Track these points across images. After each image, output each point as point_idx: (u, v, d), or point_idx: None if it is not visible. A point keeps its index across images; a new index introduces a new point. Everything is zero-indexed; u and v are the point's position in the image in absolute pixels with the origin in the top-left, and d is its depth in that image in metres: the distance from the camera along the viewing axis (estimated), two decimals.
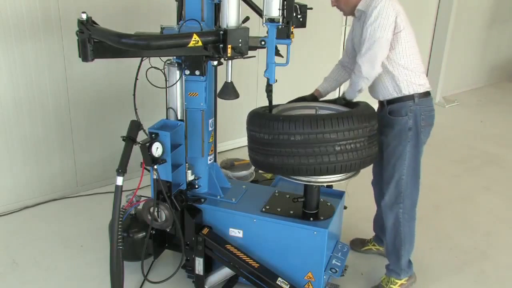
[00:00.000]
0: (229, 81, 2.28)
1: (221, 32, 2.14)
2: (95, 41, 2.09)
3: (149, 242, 2.57)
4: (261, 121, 2.27)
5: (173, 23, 2.57)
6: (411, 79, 2.47)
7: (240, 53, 2.17)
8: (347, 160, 2.21)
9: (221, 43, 2.15)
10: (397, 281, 2.77)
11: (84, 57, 2.10)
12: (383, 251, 3.08)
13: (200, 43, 2.09)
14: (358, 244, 3.19)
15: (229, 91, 2.28)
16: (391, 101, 2.53)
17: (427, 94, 2.53)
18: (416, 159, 2.56)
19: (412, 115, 2.47)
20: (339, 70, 2.84)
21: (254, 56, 2.39)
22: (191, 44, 2.08)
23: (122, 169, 2.26)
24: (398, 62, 2.44)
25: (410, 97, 2.47)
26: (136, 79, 2.50)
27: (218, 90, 2.69)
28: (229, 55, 2.15)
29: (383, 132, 2.55)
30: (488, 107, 6.79)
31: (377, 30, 2.32)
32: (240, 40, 2.15)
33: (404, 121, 2.48)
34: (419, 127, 2.50)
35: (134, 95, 2.52)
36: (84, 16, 2.07)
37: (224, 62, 2.35)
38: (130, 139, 2.35)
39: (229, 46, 2.14)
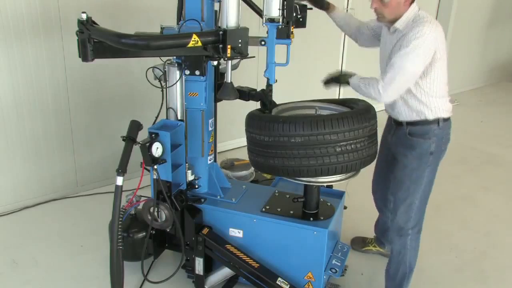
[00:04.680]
0: (229, 81, 2.28)
1: (221, 32, 2.13)
2: (95, 41, 2.09)
3: (149, 242, 2.57)
4: (260, 123, 2.27)
5: (173, 23, 2.57)
6: (438, 105, 2.35)
7: (239, 53, 2.16)
8: (348, 161, 2.20)
9: (221, 43, 2.14)
10: None
11: (84, 57, 2.10)
12: (383, 252, 3.09)
13: (199, 44, 2.09)
14: (359, 243, 3.19)
15: (229, 91, 2.27)
16: (412, 123, 2.41)
17: (448, 118, 2.43)
18: (431, 184, 2.46)
19: (435, 139, 2.37)
20: (354, 24, 2.74)
21: (254, 57, 2.39)
22: (190, 44, 2.07)
23: (122, 169, 2.26)
24: (427, 90, 2.32)
25: (435, 121, 2.36)
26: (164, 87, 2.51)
27: (216, 93, 2.70)
28: (228, 55, 2.15)
29: (400, 152, 2.46)
30: (488, 107, 6.79)
31: (410, 62, 2.18)
32: (239, 40, 2.14)
33: (427, 144, 2.37)
34: (439, 152, 2.41)
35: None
36: (84, 16, 2.07)
37: (224, 62, 2.35)
38: (130, 139, 2.35)
39: (229, 46, 2.13)
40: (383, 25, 2.46)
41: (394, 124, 2.53)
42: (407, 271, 2.58)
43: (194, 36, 2.07)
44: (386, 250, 3.07)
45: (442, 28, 2.28)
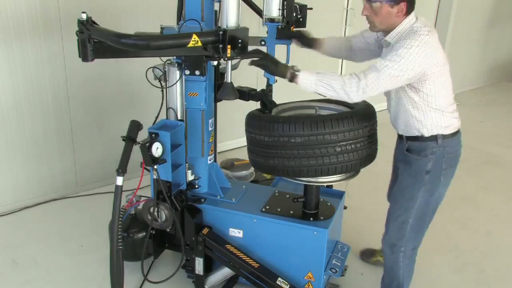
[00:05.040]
0: (229, 81, 2.28)
1: (221, 32, 2.12)
2: (95, 41, 2.09)
3: (149, 242, 2.57)
4: (260, 123, 2.27)
5: (173, 23, 2.57)
6: (437, 122, 2.19)
7: (239, 53, 2.16)
8: (348, 161, 2.20)
9: (221, 43, 2.13)
10: None
11: (84, 57, 2.10)
12: None
13: (199, 44, 2.09)
14: (368, 255, 3.08)
15: (229, 91, 2.27)
16: (411, 138, 2.28)
17: (454, 133, 2.26)
18: (428, 205, 2.31)
19: (433, 158, 2.21)
20: (343, 46, 2.58)
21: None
22: (190, 44, 2.07)
23: (122, 169, 2.26)
24: (427, 105, 2.16)
25: (433, 138, 2.21)
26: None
27: (216, 93, 2.70)
28: (228, 55, 2.14)
29: (398, 166, 2.38)
30: (488, 107, 6.79)
31: (396, 68, 2.01)
32: (239, 41, 2.14)
33: (422, 162, 2.23)
34: (439, 171, 2.24)
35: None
36: (84, 16, 2.07)
37: (224, 62, 2.35)
38: (130, 139, 2.35)
39: (229, 46, 2.12)
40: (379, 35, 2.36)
41: (398, 137, 2.43)
42: (400, 285, 2.51)
43: (194, 36, 2.07)
44: None
45: (438, 35, 2.13)
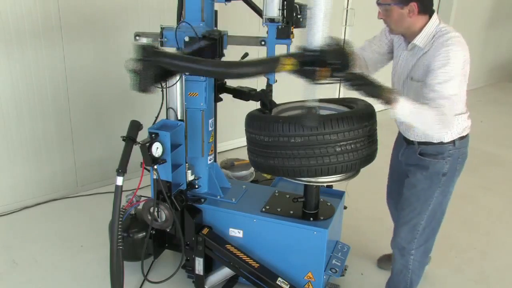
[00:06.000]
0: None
1: (316, 53, 1.79)
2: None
3: (149, 242, 2.57)
4: (260, 123, 2.27)
5: (173, 23, 2.57)
6: (457, 126, 2.22)
7: (337, 77, 1.82)
8: (348, 160, 2.20)
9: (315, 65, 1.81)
10: None
11: (145, 87, 1.90)
12: None
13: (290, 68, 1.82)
14: (386, 262, 2.97)
15: (311, 119, 1.99)
16: (425, 143, 2.27)
17: (467, 134, 2.31)
18: (440, 206, 2.34)
19: (450, 160, 2.24)
20: (363, 67, 2.45)
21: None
22: (282, 69, 1.81)
23: (122, 169, 2.26)
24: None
25: (451, 142, 2.23)
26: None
27: (216, 93, 2.70)
28: (321, 78, 1.82)
29: (410, 170, 2.35)
30: (488, 107, 6.79)
31: (451, 87, 1.99)
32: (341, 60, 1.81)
33: (440, 165, 2.24)
34: (454, 172, 2.28)
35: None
36: (145, 40, 1.90)
37: None
38: (130, 139, 2.35)
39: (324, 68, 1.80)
40: (397, 38, 2.31)
41: (404, 142, 2.41)
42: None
43: (288, 60, 1.81)
44: None
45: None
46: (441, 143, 2.23)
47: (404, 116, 2.02)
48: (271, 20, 2.34)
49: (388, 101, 1.97)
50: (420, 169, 2.30)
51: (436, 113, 1.99)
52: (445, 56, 2.00)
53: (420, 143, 2.29)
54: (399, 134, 2.52)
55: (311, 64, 1.80)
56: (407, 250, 2.41)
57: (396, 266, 2.52)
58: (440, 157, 2.24)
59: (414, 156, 2.33)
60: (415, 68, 2.18)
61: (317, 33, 1.81)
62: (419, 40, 2.13)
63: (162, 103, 2.50)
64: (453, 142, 2.24)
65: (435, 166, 2.25)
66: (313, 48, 1.81)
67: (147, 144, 2.24)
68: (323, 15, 1.80)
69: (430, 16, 2.13)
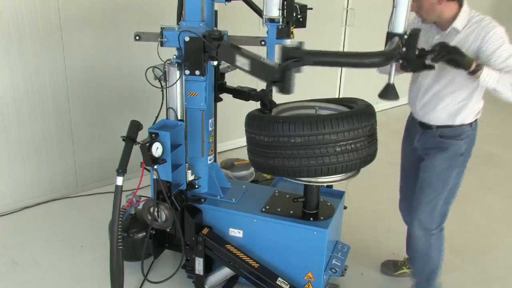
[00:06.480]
0: (391, 83, 2.15)
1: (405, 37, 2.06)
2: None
3: (149, 242, 2.57)
4: (260, 123, 2.27)
5: (173, 23, 2.57)
6: (477, 108, 2.37)
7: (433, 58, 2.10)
8: (348, 160, 2.20)
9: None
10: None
11: (288, 89, 1.98)
12: None
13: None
14: (390, 268, 3.00)
15: (391, 93, 2.16)
16: (443, 126, 2.40)
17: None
18: (457, 184, 2.48)
19: (467, 140, 2.39)
20: None
21: None
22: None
23: (122, 169, 2.26)
24: (479, 93, 2.33)
25: (468, 124, 2.38)
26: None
27: (216, 93, 2.69)
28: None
29: (429, 153, 2.45)
30: (488, 107, 6.78)
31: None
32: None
33: (458, 146, 2.38)
34: (469, 151, 2.44)
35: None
36: (289, 42, 1.93)
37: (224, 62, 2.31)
38: (130, 139, 2.35)
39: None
40: (424, 26, 2.40)
41: (420, 127, 2.50)
42: (434, 269, 2.62)
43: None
44: None
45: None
46: (461, 125, 2.36)
47: (493, 81, 2.12)
48: (271, 20, 2.34)
49: (473, 67, 2.11)
50: (440, 151, 2.41)
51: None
52: (496, 37, 2.17)
53: (439, 126, 2.40)
54: (411, 122, 2.59)
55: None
56: (429, 230, 2.53)
57: (420, 247, 2.59)
58: (459, 138, 2.38)
59: (432, 140, 2.44)
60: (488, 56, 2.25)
61: (401, 18, 2.07)
62: (457, 24, 2.26)
63: (162, 103, 2.50)
64: (471, 123, 2.38)
65: (454, 147, 2.38)
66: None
67: (147, 144, 2.24)
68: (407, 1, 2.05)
69: (459, 3, 2.27)
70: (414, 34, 2.06)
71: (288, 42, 1.93)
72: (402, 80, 2.40)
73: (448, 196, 2.48)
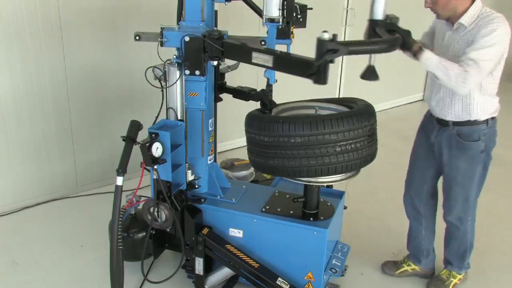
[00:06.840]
0: (372, 64, 2.28)
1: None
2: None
3: (149, 242, 2.57)
4: (260, 123, 2.27)
5: (173, 23, 2.57)
6: (491, 105, 2.44)
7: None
8: (348, 160, 2.20)
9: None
10: (457, 275, 2.86)
11: (325, 79, 2.03)
12: (420, 271, 2.93)
13: None
14: (391, 267, 2.98)
15: (373, 73, 2.29)
16: (459, 123, 2.47)
17: (496, 116, 2.52)
18: (484, 176, 2.58)
19: (484, 138, 2.47)
20: None
21: None
22: None
23: (122, 169, 2.26)
24: (487, 89, 2.41)
25: (484, 121, 2.45)
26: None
27: (216, 93, 2.70)
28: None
29: (451, 154, 2.53)
30: None
31: (486, 54, 2.22)
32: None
33: (477, 145, 2.47)
34: (490, 146, 2.52)
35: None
36: (326, 36, 1.95)
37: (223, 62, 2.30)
38: (130, 139, 2.35)
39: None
40: (440, 22, 2.50)
41: (437, 124, 2.57)
42: (468, 247, 2.77)
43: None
44: (422, 267, 2.93)
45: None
46: (476, 121, 2.42)
47: (431, 65, 2.22)
48: (271, 20, 2.34)
49: (415, 48, 2.22)
50: (460, 152, 2.49)
51: (461, 70, 2.20)
52: (490, 29, 2.22)
53: (455, 123, 2.46)
54: (429, 118, 2.65)
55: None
56: (465, 217, 2.64)
57: (457, 233, 2.71)
58: (476, 136, 2.45)
59: (452, 140, 2.50)
60: (458, 45, 2.35)
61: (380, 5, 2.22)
62: (464, 19, 2.31)
63: (162, 103, 2.50)
64: (486, 121, 2.44)
65: (473, 147, 2.47)
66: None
67: (147, 144, 2.24)
68: None
69: None
70: (394, 18, 2.23)
71: (325, 35, 1.97)
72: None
73: (477, 188, 2.59)
